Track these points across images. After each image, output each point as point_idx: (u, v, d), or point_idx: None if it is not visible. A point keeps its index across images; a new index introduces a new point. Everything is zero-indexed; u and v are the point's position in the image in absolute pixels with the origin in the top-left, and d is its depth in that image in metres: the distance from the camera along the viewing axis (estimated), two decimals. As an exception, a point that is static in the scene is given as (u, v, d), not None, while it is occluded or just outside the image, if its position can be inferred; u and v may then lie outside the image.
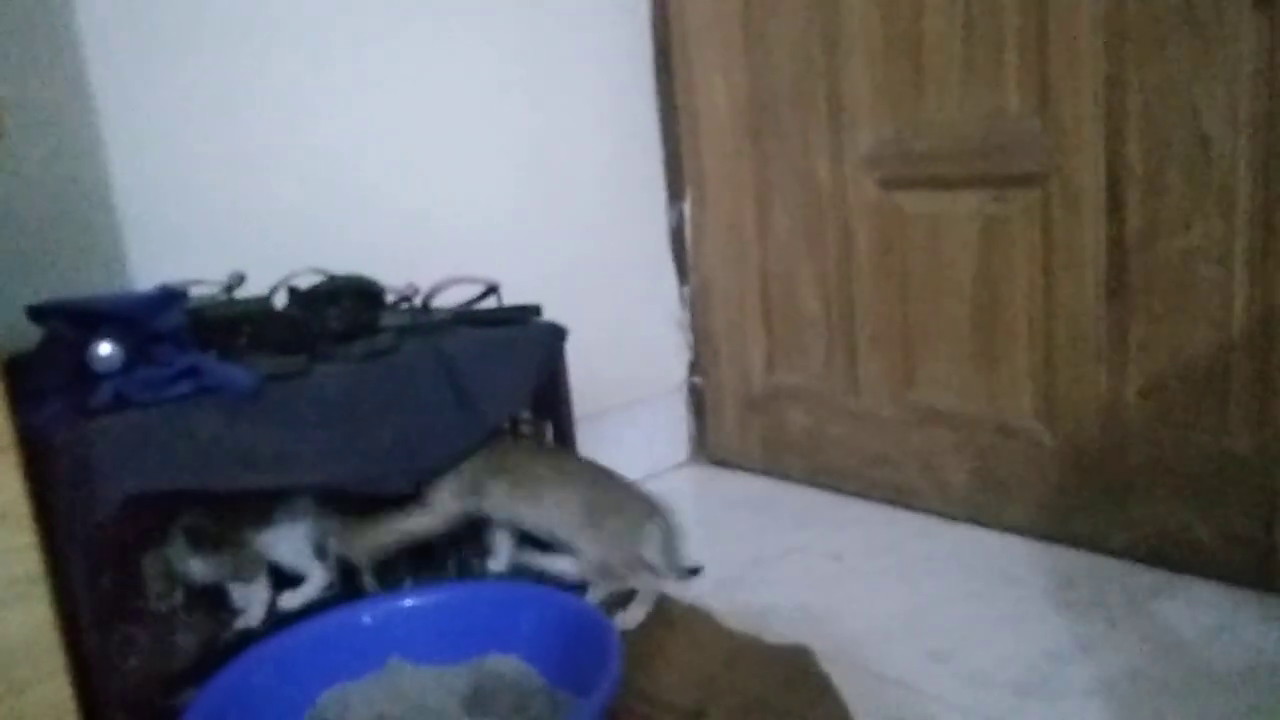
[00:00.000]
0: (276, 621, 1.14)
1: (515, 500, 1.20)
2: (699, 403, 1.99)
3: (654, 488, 1.83)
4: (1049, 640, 1.19)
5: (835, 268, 1.69)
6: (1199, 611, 1.23)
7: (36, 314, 1.02)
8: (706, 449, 2.00)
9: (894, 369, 1.64)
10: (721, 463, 1.97)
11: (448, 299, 1.37)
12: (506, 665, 1.09)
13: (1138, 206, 1.30)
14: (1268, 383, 1.22)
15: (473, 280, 1.38)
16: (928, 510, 1.62)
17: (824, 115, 1.64)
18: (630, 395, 1.88)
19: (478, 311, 1.33)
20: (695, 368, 1.99)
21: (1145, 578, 1.33)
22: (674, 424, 1.99)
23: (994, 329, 1.49)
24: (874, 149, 1.59)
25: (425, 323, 1.27)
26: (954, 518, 1.59)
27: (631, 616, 1.18)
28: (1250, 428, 1.25)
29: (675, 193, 1.91)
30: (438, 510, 1.20)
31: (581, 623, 1.05)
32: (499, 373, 1.25)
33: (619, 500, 1.22)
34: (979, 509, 1.56)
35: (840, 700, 1.08)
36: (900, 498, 1.67)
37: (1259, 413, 1.24)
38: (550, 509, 1.20)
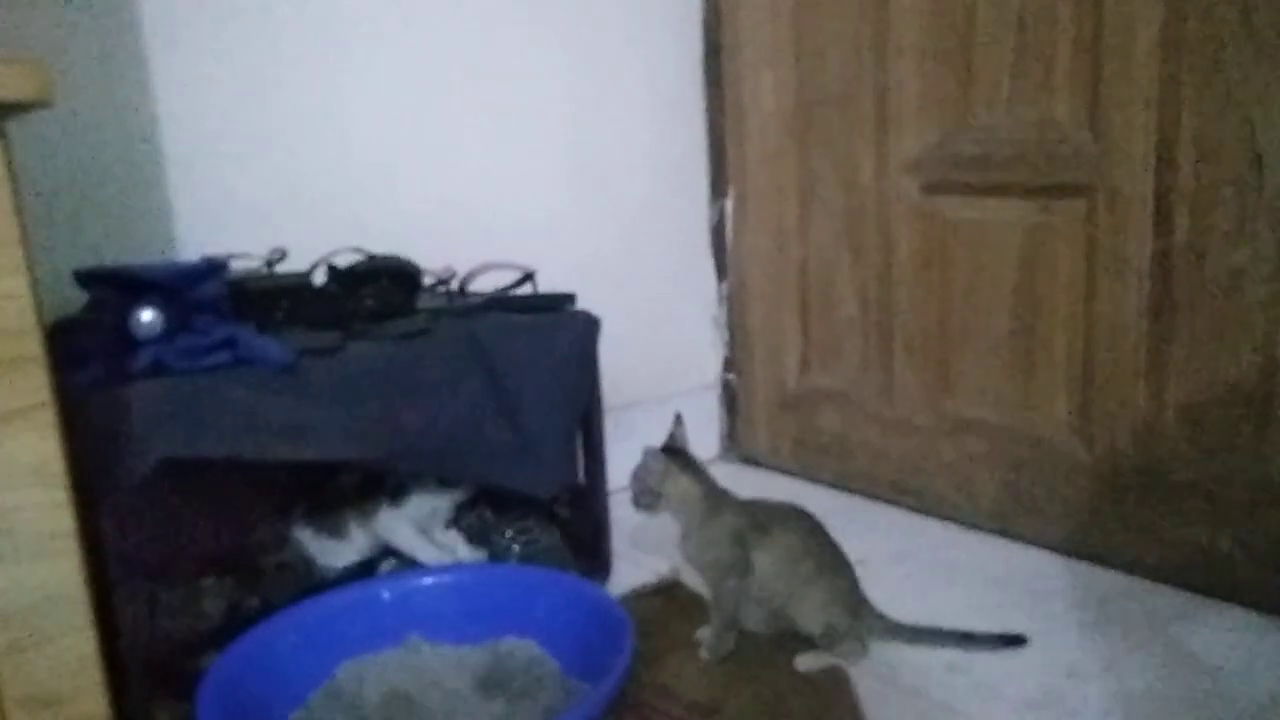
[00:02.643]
0: (299, 594, 1.16)
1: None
2: (731, 401, 1.99)
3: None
4: (1069, 657, 1.18)
5: (875, 272, 1.68)
6: (1226, 636, 1.21)
7: (83, 279, 1.05)
8: (737, 447, 2.00)
9: (929, 376, 1.62)
10: (751, 462, 1.97)
11: (484, 284, 1.38)
12: (521, 648, 1.10)
13: (1186, 223, 1.27)
14: (1312, 408, 1.19)
15: (509, 266, 1.39)
16: (956, 520, 1.60)
17: (870, 117, 1.63)
18: (662, 390, 1.88)
19: (513, 297, 1.34)
20: (729, 365, 1.98)
21: (1173, 599, 1.31)
22: (705, 421, 1.99)
23: (1033, 341, 1.47)
24: (919, 153, 1.57)
25: (460, 306, 1.29)
26: (982, 529, 1.57)
27: (809, 661, 1.16)
28: (1291, 453, 1.22)
29: (718, 189, 1.91)
30: None
31: (597, 611, 1.06)
32: (532, 360, 1.26)
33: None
34: (1008, 522, 1.54)
35: (857, 707, 1.07)
36: (929, 506, 1.65)
37: (1301, 438, 1.21)
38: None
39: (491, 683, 1.05)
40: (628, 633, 0.98)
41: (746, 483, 1.88)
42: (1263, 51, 1.17)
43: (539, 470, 1.26)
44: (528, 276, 1.39)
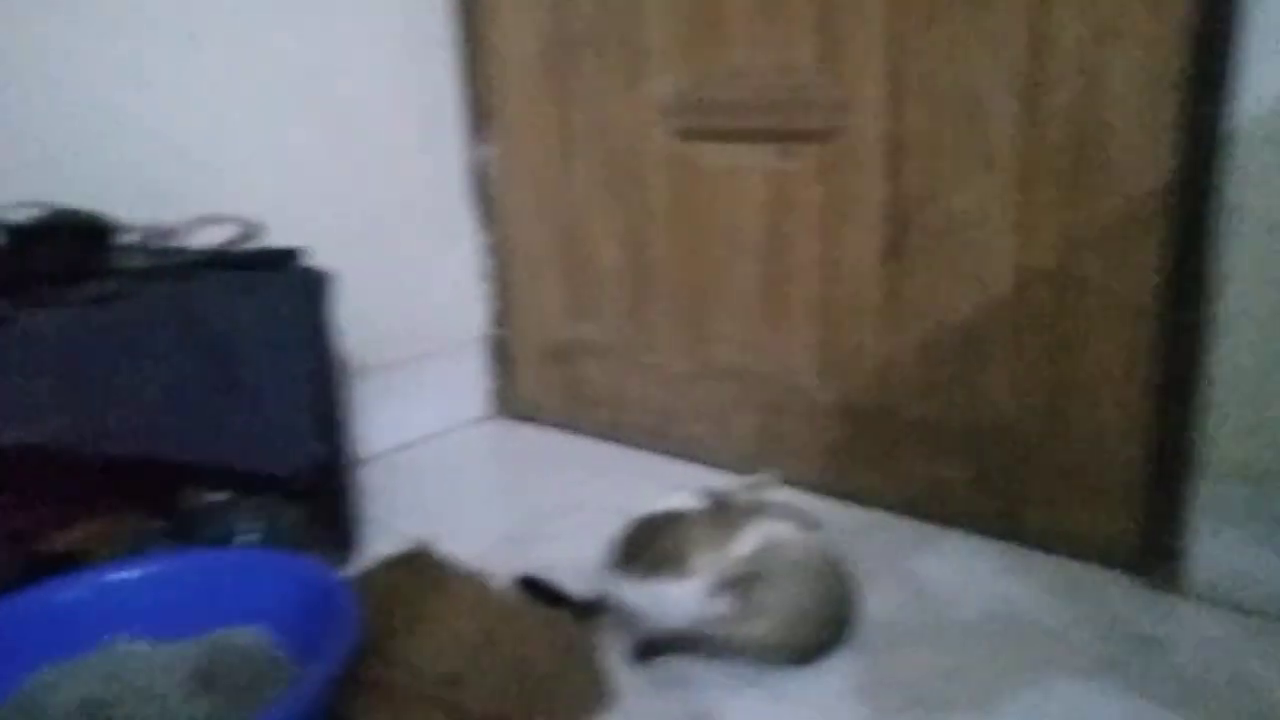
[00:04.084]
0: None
1: None
2: (498, 356, 1.93)
3: (448, 443, 1.79)
4: (814, 594, 1.21)
5: (633, 220, 1.66)
6: (953, 563, 1.28)
7: None
8: (507, 403, 1.95)
9: (687, 324, 1.63)
10: (522, 417, 1.93)
11: (209, 241, 1.25)
12: (244, 638, 1.01)
13: (917, 168, 1.31)
14: (1023, 344, 1.27)
15: (228, 220, 1.27)
16: (717, 464, 1.62)
17: (623, 61, 1.59)
18: (424, 348, 1.80)
19: (228, 255, 1.22)
20: (495, 319, 1.92)
21: (908, 531, 1.38)
22: (471, 377, 1.92)
23: (781, 285, 1.49)
24: (673, 98, 1.55)
25: (167, 265, 1.16)
26: (741, 472, 1.59)
27: None
28: (1009, 386, 1.30)
29: (477, 134, 1.82)
30: None
31: (320, 589, 0.99)
32: (253, 323, 1.15)
33: None
34: (763, 463, 1.55)
35: (600, 666, 1.06)
36: (692, 452, 1.66)
37: (1016, 372, 1.28)
38: None
39: (207, 678, 0.95)
40: (349, 606, 0.92)
41: (514, 440, 1.85)
42: (975, 2, 1.21)
43: (277, 445, 1.17)
44: (252, 232, 1.27)
